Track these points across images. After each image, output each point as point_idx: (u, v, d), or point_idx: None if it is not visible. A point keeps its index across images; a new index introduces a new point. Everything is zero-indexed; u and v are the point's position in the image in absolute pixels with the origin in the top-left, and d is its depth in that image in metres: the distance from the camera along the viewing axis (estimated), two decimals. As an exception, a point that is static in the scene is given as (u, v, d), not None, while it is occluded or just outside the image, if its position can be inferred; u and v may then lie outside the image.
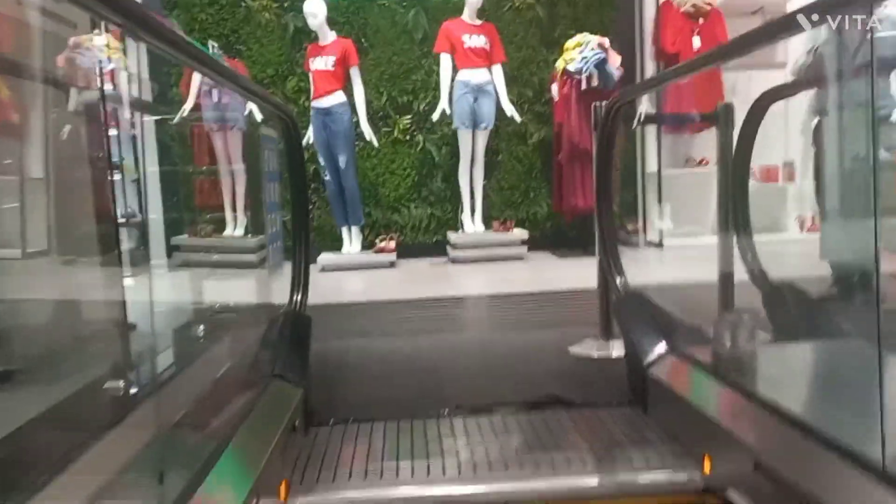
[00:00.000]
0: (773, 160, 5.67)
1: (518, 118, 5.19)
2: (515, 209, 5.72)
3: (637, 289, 2.39)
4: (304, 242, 2.40)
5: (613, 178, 5.13)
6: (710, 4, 5.38)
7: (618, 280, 2.44)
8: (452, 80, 5.10)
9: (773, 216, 5.77)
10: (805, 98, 5.25)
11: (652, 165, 5.68)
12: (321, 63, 4.94)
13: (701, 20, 5.37)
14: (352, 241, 5.32)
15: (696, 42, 5.31)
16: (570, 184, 5.04)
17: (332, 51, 4.95)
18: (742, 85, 5.60)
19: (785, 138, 5.71)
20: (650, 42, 5.63)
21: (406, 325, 3.21)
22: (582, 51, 4.85)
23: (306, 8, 4.88)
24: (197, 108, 4.97)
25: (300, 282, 2.36)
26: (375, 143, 5.17)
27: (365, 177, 5.61)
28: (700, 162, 5.57)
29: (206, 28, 5.38)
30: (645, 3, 5.62)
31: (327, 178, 5.14)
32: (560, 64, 5.01)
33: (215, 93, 4.94)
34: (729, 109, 2.48)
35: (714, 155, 5.66)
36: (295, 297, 2.34)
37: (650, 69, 5.68)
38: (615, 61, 4.84)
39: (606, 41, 4.92)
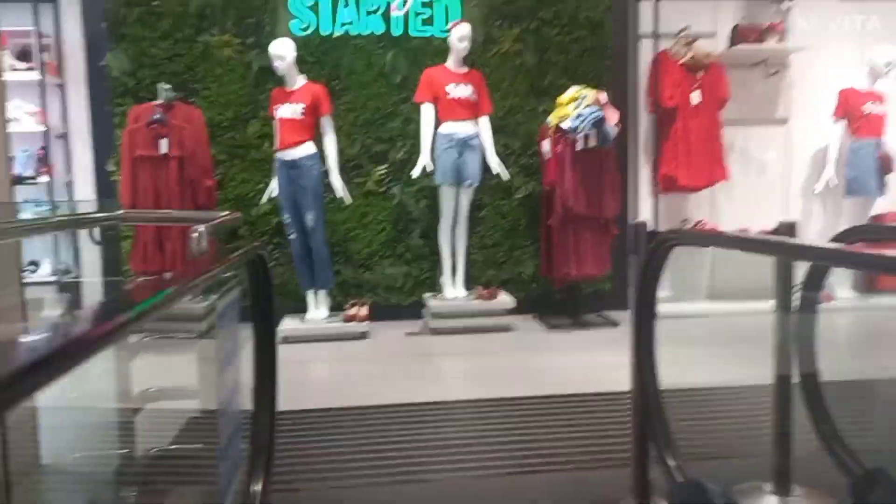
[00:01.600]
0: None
1: (506, 176, 4.78)
2: (499, 268, 5.30)
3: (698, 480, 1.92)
4: (267, 413, 1.89)
5: (603, 238, 4.75)
6: (709, 56, 5.06)
7: (670, 463, 1.98)
8: (435, 132, 4.65)
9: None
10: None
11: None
12: (288, 111, 4.45)
13: (700, 73, 5.05)
14: (318, 305, 4.81)
15: (696, 97, 4.99)
16: (562, 250, 4.64)
17: (302, 97, 4.46)
18: (740, 140, 5.30)
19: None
20: (644, 93, 5.29)
21: (373, 463, 2.70)
22: (577, 106, 4.46)
23: (273, 50, 4.39)
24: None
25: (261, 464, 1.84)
26: (347, 200, 4.69)
27: (334, 231, 5.12)
28: (697, 224, 5.23)
29: (158, 65, 4.84)
30: (640, 52, 5.27)
31: (292, 236, 4.63)
32: (553, 119, 4.62)
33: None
34: (792, 228, 2.08)
35: (718, 219, 5.36)
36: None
37: (644, 122, 5.35)
38: (613, 118, 4.47)
39: (604, 96, 4.54)
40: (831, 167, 5.09)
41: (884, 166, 4.94)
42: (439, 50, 4.97)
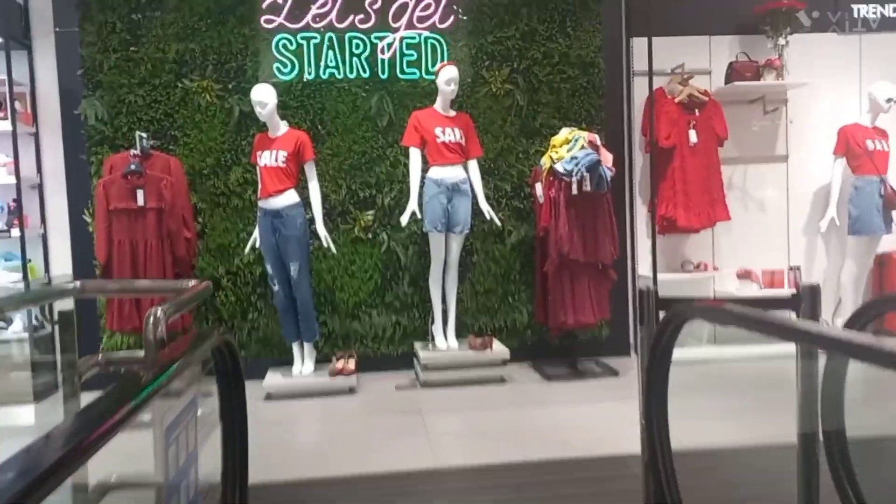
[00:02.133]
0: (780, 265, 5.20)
1: (498, 222, 4.63)
2: (492, 316, 5.11)
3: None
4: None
5: (599, 281, 4.58)
6: (706, 94, 4.95)
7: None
8: (423, 176, 4.51)
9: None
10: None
11: (645, 268, 5.15)
12: (270, 158, 4.30)
13: (697, 111, 4.94)
14: (304, 359, 4.61)
15: (693, 136, 4.88)
16: (558, 298, 4.46)
17: (284, 144, 4.32)
18: (738, 179, 5.17)
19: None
20: (640, 133, 5.17)
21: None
22: (571, 148, 4.32)
23: (254, 96, 4.26)
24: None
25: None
26: (333, 250, 4.52)
27: (320, 280, 4.94)
28: (698, 266, 5.06)
29: (135, 111, 4.70)
30: (634, 91, 5.16)
31: (276, 287, 4.45)
32: (546, 162, 4.48)
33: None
34: (815, 292, 1.91)
35: (713, 258, 5.20)
36: None
37: (640, 162, 5.22)
38: (608, 160, 4.33)
39: (597, 138, 4.42)
40: (834, 205, 4.95)
41: (888, 203, 4.80)
42: (427, 92, 4.86)
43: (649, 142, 4.96)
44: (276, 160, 4.30)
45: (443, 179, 4.47)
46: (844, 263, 5.04)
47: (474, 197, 4.60)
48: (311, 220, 4.47)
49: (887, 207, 4.82)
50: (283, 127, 4.41)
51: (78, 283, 2.07)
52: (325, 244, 4.45)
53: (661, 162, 4.96)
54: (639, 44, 5.14)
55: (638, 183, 5.23)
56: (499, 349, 4.66)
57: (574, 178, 4.18)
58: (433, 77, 4.77)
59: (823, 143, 5.12)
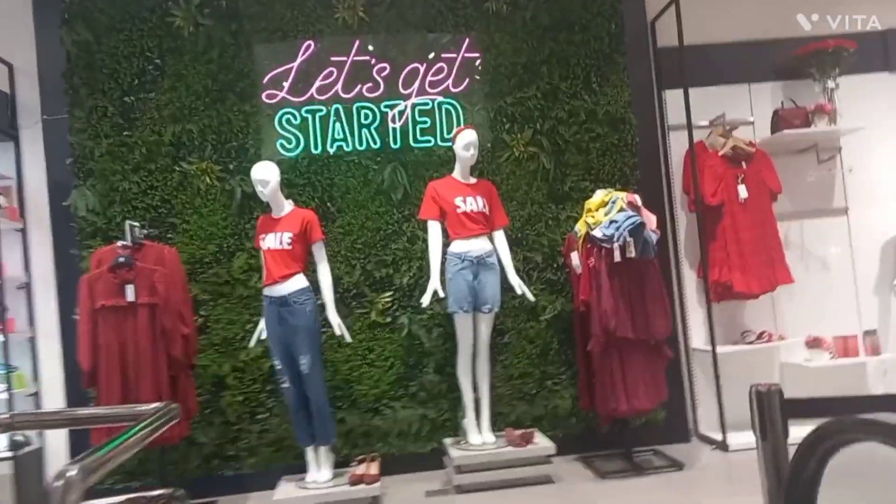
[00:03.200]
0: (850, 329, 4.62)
1: (531, 297, 4.15)
2: (530, 403, 4.57)
3: None
4: None
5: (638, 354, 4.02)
6: (752, 145, 4.52)
7: None
8: (444, 251, 4.07)
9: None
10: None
11: (699, 340, 4.61)
12: (275, 241, 3.91)
13: (744, 164, 4.50)
14: (320, 466, 4.07)
15: (743, 191, 4.43)
16: (606, 381, 3.93)
17: (289, 225, 3.93)
18: (794, 236, 4.65)
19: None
20: (681, 191, 4.72)
21: None
22: (608, 211, 3.88)
23: (254, 174, 3.91)
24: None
25: None
26: (348, 339, 4.05)
27: (336, 372, 4.46)
28: (760, 336, 4.51)
29: (130, 199, 4.38)
30: (671, 145, 4.75)
31: (285, 384, 3.97)
32: (581, 228, 4.03)
33: None
34: None
35: (776, 325, 4.64)
36: None
37: (684, 223, 4.74)
38: (651, 222, 3.88)
39: (637, 198, 3.98)
40: (907, 261, 4.42)
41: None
42: (444, 161, 4.49)
43: (693, 200, 4.51)
44: (281, 242, 3.91)
45: (467, 253, 4.03)
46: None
47: (502, 271, 4.14)
48: (323, 308, 4.02)
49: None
50: (287, 206, 4.04)
51: (8, 416, 1.62)
52: (337, 332, 3.99)
53: (710, 221, 4.49)
54: (672, 96, 4.75)
55: (683, 246, 4.74)
56: (542, 443, 4.10)
57: (616, 244, 3.72)
58: (449, 144, 4.41)
59: (885, 192, 4.62)
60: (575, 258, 4.13)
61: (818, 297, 4.69)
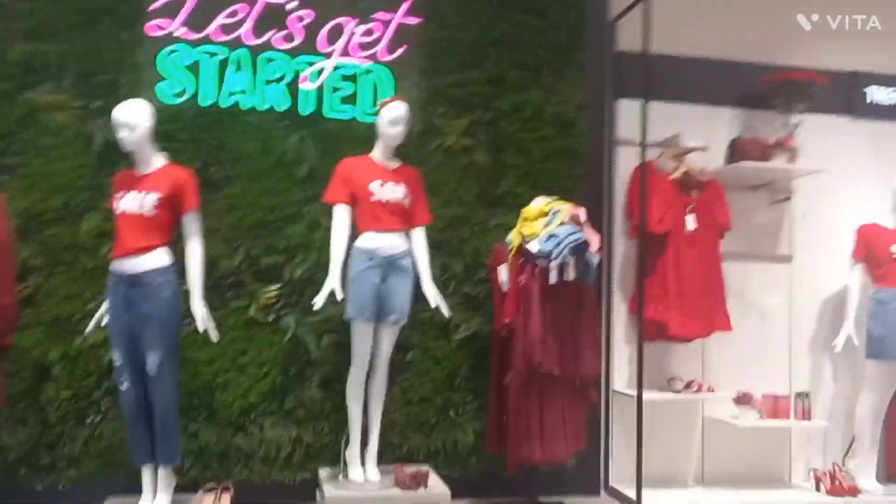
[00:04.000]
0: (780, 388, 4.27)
1: (446, 311, 3.52)
2: (427, 435, 3.94)
3: None
4: None
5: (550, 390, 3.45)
6: (704, 173, 4.09)
7: None
8: (350, 244, 3.38)
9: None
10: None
11: (621, 382, 4.13)
12: (134, 202, 3.10)
13: (694, 193, 4.05)
14: (157, 490, 3.26)
15: (691, 222, 4.00)
16: (522, 423, 3.36)
17: (157, 184, 3.14)
18: (735, 279, 4.26)
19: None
20: (621, 211, 4.24)
21: None
22: (548, 223, 3.31)
23: (117, 115, 3.11)
24: None
25: None
26: (213, 336, 3.26)
27: (196, 375, 3.68)
28: (689, 385, 4.07)
29: (-48, 126, 3.41)
30: (618, 160, 4.26)
31: (124, 385, 3.15)
32: (514, 238, 3.44)
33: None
34: None
35: (703, 374, 4.21)
36: None
37: (620, 249, 4.25)
38: (594, 242, 3.33)
39: (583, 213, 3.44)
40: (851, 320, 4.10)
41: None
42: (363, 138, 3.80)
43: (636, 225, 4.03)
44: (143, 205, 3.09)
45: (377, 250, 3.36)
46: (861, 393, 4.14)
47: (416, 277, 3.49)
48: (187, 294, 3.22)
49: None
50: (158, 161, 3.23)
51: None
52: (200, 327, 3.20)
53: (651, 251, 4.02)
54: (625, 106, 4.28)
55: (617, 275, 4.25)
56: (436, 486, 3.46)
57: (553, 262, 3.15)
58: (373, 118, 3.73)
59: (834, 244, 4.32)
60: (503, 272, 3.54)
61: (751, 348, 4.32)
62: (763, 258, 4.43)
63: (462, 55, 4.06)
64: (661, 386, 4.16)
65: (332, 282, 3.33)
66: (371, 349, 3.44)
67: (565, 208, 3.42)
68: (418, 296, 3.54)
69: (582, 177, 4.15)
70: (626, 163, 4.26)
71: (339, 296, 3.32)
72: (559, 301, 3.30)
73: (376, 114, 3.55)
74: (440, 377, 3.98)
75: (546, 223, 3.36)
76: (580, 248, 3.20)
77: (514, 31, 4.12)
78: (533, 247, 3.25)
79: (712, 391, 4.09)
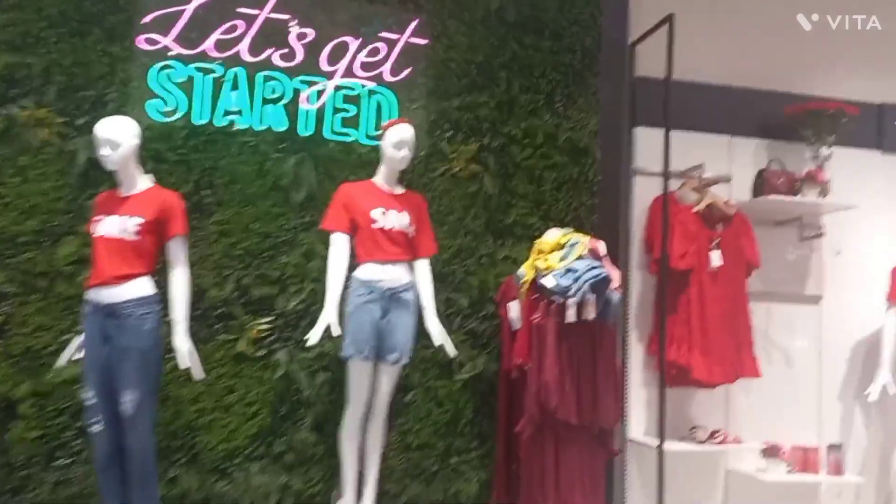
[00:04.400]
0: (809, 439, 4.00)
1: (452, 350, 3.27)
2: (427, 483, 3.67)
3: None
4: None
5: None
6: (729, 206, 3.88)
7: None
8: (349, 276, 3.15)
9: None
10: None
11: (637, 430, 3.86)
12: (115, 226, 2.88)
13: (720, 226, 3.82)
14: (130, 543, 2.97)
15: (717, 258, 3.75)
16: (535, 474, 3.10)
17: (140, 207, 2.92)
18: (760, 320, 4.01)
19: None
20: (639, 245, 4.01)
21: None
22: (564, 255, 3.08)
23: (100, 132, 2.91)
24: None
25: None
26: (198, 375, 3.01)
27: (178, 414, 3.42)
28: (713, 435, 3.79)
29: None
30: (636, 190, 4.05)
31: (96, 427, 2.89)
32: (528, 271, 3.21)
33: None
34: None
35: (727, 422, 3.93)
36: None
37: (636, 285, 4.01)
38: (615, 279, 3.09)
39: (602, 246, 3.20)
40: (887, 368, 3.84)
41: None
42: (364, 162, 3.62)
43: (657, 260, 3.80)
44: (125, 230, 2.87)
45: (378, 283, 3.12)
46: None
47: (420, 311, 3.25)
48: (170, 327, 2.98)
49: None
50: (143, 183, 3.01)
51: None
52: (182, 364, 2.95)
53: (673, 288, 3.77)
54: (642, 135, 4.09)
55: (634, 313, 4.00)
56: (438, 544, 3.17)
57: (572, 299, 2.90)
58: (376, 142, 3.54)
59: (867, 284, 4.08)
60: (514, 309, 3.30)
61: (777, 395, 4.05)
62: (790, 298, 4.19)
63: (471, 77, 3.87)
64: (682, 435, 3.88)
65: (329, 316, 3.08)
66: (369, 390, 3.19)
67: (583, 241, 3.19)
68: (421, 332, 3.30)
69: (595, 207, 3.93)
70: (642, 194, 4.06)
71: (336, 331, 3.08)
72: (577, 341, 3.05)
73: (380, 136, 3.34)
74: (442, 420, 3.71)
75: (563, 256, 3.12)
76: (601, 285, 2.96)
77: (526, 52, 3.93)
78: (549, 282, 3.01)
79: (738, 442, 3.81)
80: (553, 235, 3.28)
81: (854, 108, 3.96)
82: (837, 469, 3.82)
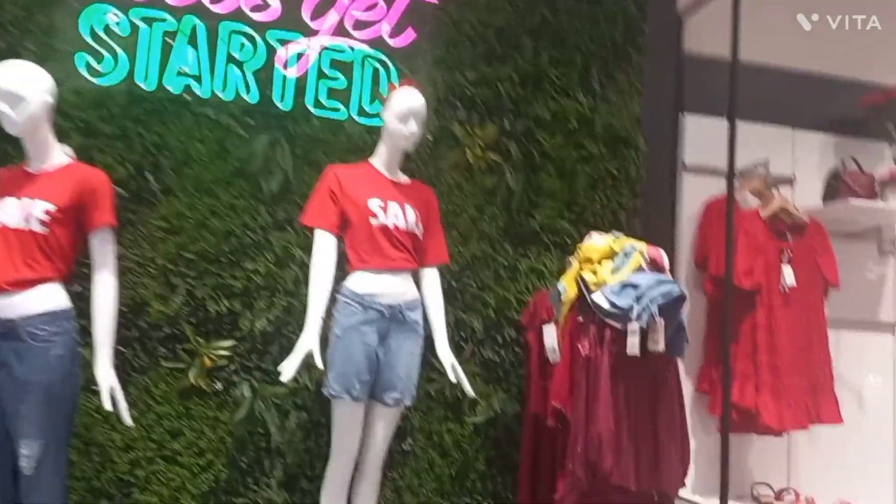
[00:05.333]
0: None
1: (469, 390, 2.56)
2: (425, 555, 2.92)
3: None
4: None
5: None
6: (801, 213, 3.25)
7: None
8: (338, 287, 2.44)
9: None
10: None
11: (692, 488, 3.18)
12: (14, 214, 2.12)
13: (790, 237, 3.18)
14: None
15: (789, 275, 3.09)
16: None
17: (52, 189, 2.18)
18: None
19: None
20: (688, 259, 3.36)
21: None
22: (617, 267, 2.40)
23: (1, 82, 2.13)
24: None
25: None
26: (125, 420, 2.26)
27: (104, 465, 2.68)
28: (780, 495, 3.13)
29: None
30: (684, 187, 3.40)
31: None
32: (569, 286, 2.52)
33: None
34: None
35: (788, 477, 3.15)
36: None
37: (688, 306, 3.32)
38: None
39: (664, 256, 2.52)
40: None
41: None
42: (358, 146, 2.94)
43: (712, 276, 3.14)
44: (28, 218, 2.12)
45: (375, 297, 2.42)
46: None
47: (429, 337, 2.55)
48: (86, 363, 2.23)
49: None
50: (57, 156, 2.26)
51: None
52: (107, 404, 2.20)
53: (736, 312, 3.11)
54: (692, 124, 3.45)
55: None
56: None
57: (635, 324, 2.22)
58: (371, 121, 2.87)
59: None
60: (549, 335, 2.60)
61: (848, 443, 3.41)
62: (860, 325, 3.56)
63: (489, 44, 3.19)
64: (740, 493, 3.21)
65: (309, 340, 2.37)
66: (359, 439, 2.47)
67: (643, 249, 2.51)
68: (429, 362, 2.61)
69: (637, 210, 3.28)
70: (691, 195, 3.41)
71: (319, 362, 2.36)
72: (635, 381, 2.36)
73: (382, 104, 2.64)
74: (447, 474, 3.00)
75: (615, 267, 2.44)
76: (672, 306, 2.28)
77: (559, 18, 3.28)
78: (602, 300, 2.32)
79: (811, 503, 3.15)
80: (600, 240, 2.61)
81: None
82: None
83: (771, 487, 3.20)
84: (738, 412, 3.05)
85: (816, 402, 3.13)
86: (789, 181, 3.51)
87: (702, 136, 3.41)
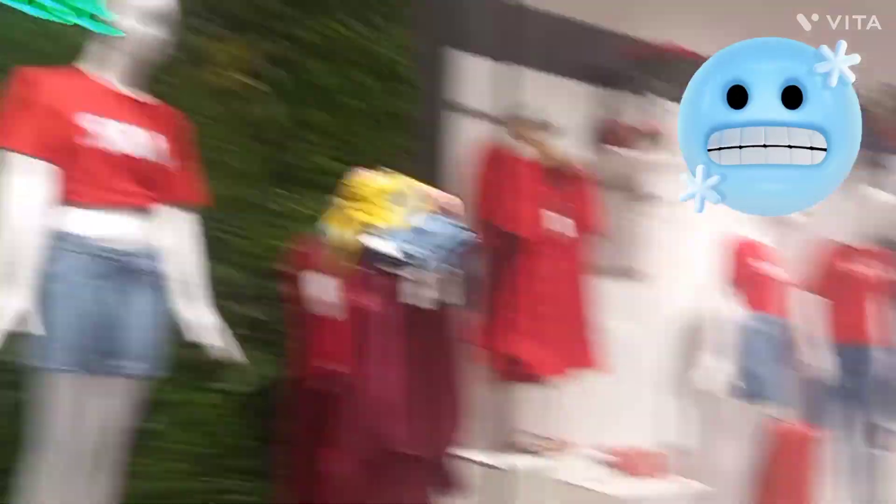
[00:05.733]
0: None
1: (237, 356, 2.19)
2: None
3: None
4: None
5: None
6: (568, 161, 3.30)
7: None
8: (57, 233, 1.91)
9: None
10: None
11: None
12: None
13: (558, 184, 3.23)
14: None
15: (557, 221, 3.11)
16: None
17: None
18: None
19: None
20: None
21: None
22: (408, 210, 2.18)
23: None
24: None
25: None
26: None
27: None
28: (542, 444, 3.20)
29: None
30: (453, 135, 3.29)
31: None
32: (343, 227, 2.23)
33: None
34: None
35: (572, 433, 3.08)
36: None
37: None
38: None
39: (455, 200, 2.35)
40: (712, 356, 3.49)
41: (785, 357, 3.55)
42: (71, 42, 2.28)
43: (485, 222, 3.07)
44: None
45: (103, 243, 1.92)
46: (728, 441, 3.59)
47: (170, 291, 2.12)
48: None
49: (784, 363, 3.57)
50: None
51: None
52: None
53: (501, 258, 3.08)
54: (471, 64, 3.33)
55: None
56: None
57: (431, 275, 2.01)
58: (87, 19, 2.26)
59: (701, 260, 3.71)
60: (316, 284, 2.29)
61: (604, 388, 3.55)
62: (614, 273, 3.73)
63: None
64: (508, 446, 3.20)
65: (20, 300, 1.81)
66: (85, 426, 1.97)
67: (426, 191, 2.30)
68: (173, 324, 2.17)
69: (415, 152, 3.08)
70: (459, 137, 3.30)
71: (37, 327, 1.82)
72: (424, 338, 2.16)
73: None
74: (194, 453, 2.58)
75: (402, 211, 2.20)
76: (471, 255, 2.10)
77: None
78: (390, 247, 2.06)
79: (576, 447, 3.25)
80: (377, 179, 2.34)
81: (692, 53, 3.57)
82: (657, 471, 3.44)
83: (537, 436, 3.23)
84: (508, 361, 3.02)
85: (572, 347, 3.20)
86: (555, 129, 3.52)
87: (471, 77, 3.30)
